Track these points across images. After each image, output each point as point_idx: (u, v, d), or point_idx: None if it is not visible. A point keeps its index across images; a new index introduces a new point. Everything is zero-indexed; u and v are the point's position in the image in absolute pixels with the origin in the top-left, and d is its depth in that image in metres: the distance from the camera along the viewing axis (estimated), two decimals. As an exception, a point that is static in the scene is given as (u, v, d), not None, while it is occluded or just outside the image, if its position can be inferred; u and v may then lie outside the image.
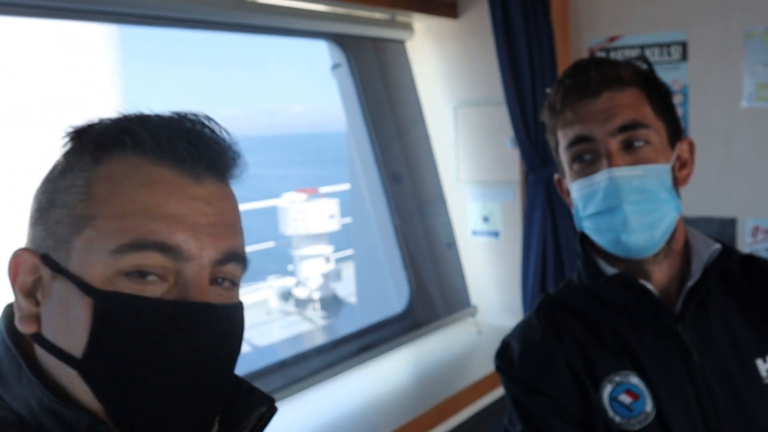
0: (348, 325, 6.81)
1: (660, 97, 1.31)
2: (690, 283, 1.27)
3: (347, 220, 7.22)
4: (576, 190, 1.30)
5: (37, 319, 0.77)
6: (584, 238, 1.37)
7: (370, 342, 3.04)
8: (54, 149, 0.80)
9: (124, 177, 0.76)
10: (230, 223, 0.81)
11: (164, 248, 0.74)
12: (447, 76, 3.29)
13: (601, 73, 1.27)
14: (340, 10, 2.88)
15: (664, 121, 1.29)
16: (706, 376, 1.23)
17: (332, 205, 8.85)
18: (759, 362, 1.24)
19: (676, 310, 1.27)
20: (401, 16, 3.16)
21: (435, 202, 3.47)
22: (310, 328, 8.49)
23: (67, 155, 0.79)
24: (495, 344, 1.39)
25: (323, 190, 9.61)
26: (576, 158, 1.29)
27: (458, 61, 3.24)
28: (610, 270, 1.32)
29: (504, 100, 2.94)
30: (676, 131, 1.32)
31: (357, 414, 2.52)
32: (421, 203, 3.49)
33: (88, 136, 0.78)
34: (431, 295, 3.46)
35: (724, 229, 2.94)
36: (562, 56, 3.04)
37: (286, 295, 9.04)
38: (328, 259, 8.91)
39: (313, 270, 8.82)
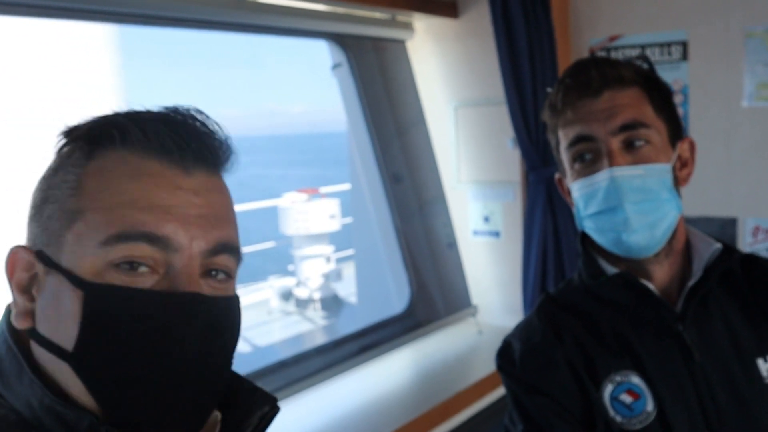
0: (349, 325, 6.81)
1: (661, 96, 1.30)
2: (691, 283, 1.27)
3: (348, 220, 7.22)
4: (577, 189, 1.30)
5: (31, 314, 0.77)
6: (585, 237, 1.37)
7: (370, 342, 3.04)
8: (53, 149, 0.81)
9: (113, 171, 0.76)
10: (221, 214, 0.80)
11: (152, 239, 0.74)
12: (447, 76, 3.29)
13: (602, 73, 1.27)
14: (340, 9, 2.88)
15: (664, 121, 1.29)
16: (707, 376, 1.22)
17: (333, 205, 8.85)
18: (760, 362, 1.24)
19: (677, 310, 1.27)
20: (402, 16, 3.16)
21: (436, 202, 3.47)
22: (310, 328, 8.49)
23: (60, 153, 0.80)
24: (496, 344, 1.39)
25: (324, 190, 9.61)
26: (577, 158, 1.29)
27: (459, 61, 3.24)
28: (611, 269, 1.32)
29: (504, 99, 2.95)
30: (676, 131, 1.32)
31: (358, 414, 2.52)
32: (422, 203, 3.49)
33: (79, 132, 0.79)
34: (432, 295, 3.46)
35: (725, 229, 2.94)
36: (562, 56, 3.04)
37: (287, 295, 9.04)
38: (328, 259, 8.91)
39: (313, 270, 8.82)
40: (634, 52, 3.08)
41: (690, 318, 1.25)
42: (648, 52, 3.05)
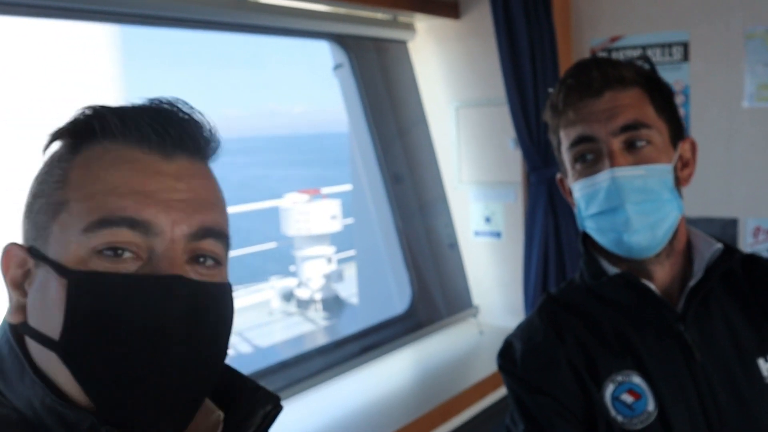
0: (350, 326, 6.81)
1: (662, 96, 1.31)
2: (692, 283, 1.27)
3: (349, 220, 7.22)
4: (578, 189, 1.30)
5: (24, 309, 0.78)
6: (586, 237, 1.38)
7: (372, 342, 3.04)
8: (42, 149, 0.82)
9: (95, 161, 0.77)
10: (205, 198, 0.80)
11: (133, 224, 0.74)
12: (449, 77, 3.29)
13: (603, 73, 1.27)
14: (341, 10, 2.88)
15: (666, 121, 1.30)
16: (708, 376, 1.23)
17: (334, 206, 8.84)
18: (761, 362, 1.24)
19: (678, 310, 1.27)
20: (403, 17, 3.16)
21: (437, 203, 3.47)
22: (312, 329, 8.48)
23: (48, 152, 0.81)
24: (497, 345, 1.39)
25: (325, 190, 9.61)
26: (578, 158, 1.29)
27: (460, 62, 3.25)
28: (612, 269, 1.32)
29: (506, 100, 2.95)
30: (678, 131, 1.32)
31: (359, 414, 2.52)
32: (423, 204, 3.49)
33: (63, 129, 0.80)
34: (433, 296, 3.46)
35: (726, 229, 2.94)
36: (563, 57, 3.04)
37: (288, 296, 9.03)
38: (330, 260, 8.90)
39: (315, 271, 8.81)
40: (635, 53, 3.08)
41: (691, 318, 1.26)
42: (649, 52, 3.05)
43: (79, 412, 0.73)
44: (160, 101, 0.80)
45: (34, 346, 0.77)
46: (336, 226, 8.75)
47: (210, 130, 0.82)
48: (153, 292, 0.73)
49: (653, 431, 1.20)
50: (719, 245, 1.29)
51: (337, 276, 8.92)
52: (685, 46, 2.98)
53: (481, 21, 3.10)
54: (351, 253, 8.03)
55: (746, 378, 1.23)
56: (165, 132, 0.78)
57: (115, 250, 0.74)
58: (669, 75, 2.94)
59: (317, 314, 8.75)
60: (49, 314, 0.74)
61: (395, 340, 3.05)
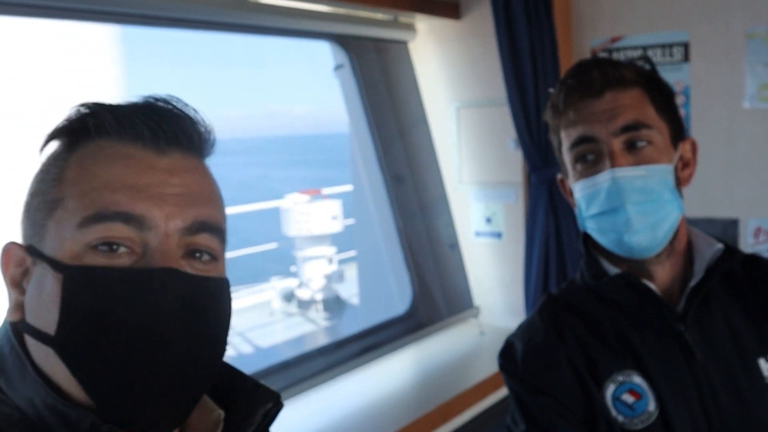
0: (351, 327, 6.81)
1: (662, 97, 1.31)
2: (692, 283, 1.27)
3: (350, 221, 7.22)
4: (579, 190, 1.30)
5: (22, 307, 0.78)
6: (587, 237, 1.38)
7: (372, 343, 3.04)
8: (40, 150, 0.83)
9: (90, 158, 0.78)
10: (199, 193, 0.80)
11: (127, 218, 0.74)
12: (449, 77, 3.30)
13: (604, 74, 1.27)
14: (342, 10, 2.89)
15: (666, 121, 1.30)
16: (708, 376, 1.23)
17: (335, 207, 8.83)
18: (761, 362, 1.24)
19: (679, 310, 1.27)
20: (404, 17, 3.17)
21: (438, 203, 3.47)
22: (312, 330, 8.48)
23: (47, 151, 0.82)
24: (498, 345, 1.39)
25: (326, 191, 9.60)
26: (579, 158, 1.29)
27: (461, 62, 3.25)
28: (613, 270, 1.32)
29: (506, 100, 2.95)
30: (678, 131, 1.32)
31: (360, 415, 2.52)
32: (424, 204, 3.49)
33: (59, 128, 0.80)
34: (434, 296, 3.46)
35: (727, 230, 2.94)
36: (564, 57, 3.04)
37: (289, 297, 9.02)
38: (330, 261, 8.89)
39: (315, 271, 8.80)
40: (636, 54, 3.08)
41: (691, 318, 1.26)
42: (650, 53, 3.05)
43: (80, 410, 0.73)
44: (154, 98, 0.81)
45: (33, 346, 0.77)
46: (337, 226, 8.75)
47: (205, 127, 0.82)
48: (147, 286, 0.73)
49: (654, 431, 1.20)
50: (720, 245, 1.29)
51: (338, 276, 8.92)
52: (686, 46, 2.98)
53: (481, 21, 3.10)
54: (352, 253, 8.04)
55: (747, 378, 1.23)
56: (158, 128, 0.78)
57: (110, 245, 0.74)
58: (669, 75, 2.94)
59: (318, 315, 8.75)
60: (46, 310, 0.74)
61: (396, 341, 3.05)
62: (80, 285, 0.73)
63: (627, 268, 1.30)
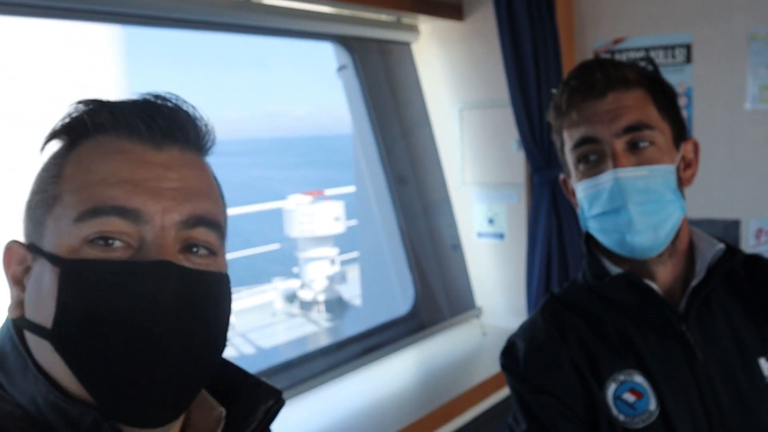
0: (353, 327, 6.81)
1: (665, 97, 1.31)
2: (694, 283, 1.28)
3: (353, 222, 7.23)
4: (581, 190, 1.31)
5: (23, 304, 0.79)
6: (589, 237, 1.38)
7: (375, 343, 3.04)
8: (40, 150, 0.83)
9: (87, 155, 0.78)
10: (196, 187, 0.80)
11: (123, 212, 0.75)
12: (452, 78, 3.30)
13: (606, 74, 1.28)
14: (345, 11, 2.89)
15: (669, 122, 1.30)
16: (709, 375, 1.23)
17: (338, 208, 8.84)
18: (762, 362, 1.25)
19: (680, 310, 1.27)
20: (407, 18, 3.17)
21: (440, 204, 3.47)
22: (315, 330, 8.49)
23: (47, 150, 0.82)
24: (500, 346, 1.39)
25: (329, 192, 9.61)
26: (581, 159, 1.30)
27: (464, 63, 3.25)
28: (614, 270, 1.32)
29: (509, 101, 2.95)
30: (680, 132, 1.33)
31: (362, 415, 2.52)
32: (427, 205, 3.49)
33: (58, 127, 0.81)
34: (436, 297, 3.46)
35: (728, 230, 2.94)
36: (566, 58, 3.04)
37: (291, 298, 9.04)
38: (333, 262, 8.90)
39: (318, 272, 8.81)
40: (638, 55, 3.08)
41: (693, 318, 1.26)
42: (652, 54, 3.05)
43: (81, 407, 0.73)
44: (152, 95, 0.81)
45: (34, 342, 0.78)
46: (339, 227, 8.76)
47: (202, 123, 0.83)
48: (142, 279, 0.73)
49: (655, 430, 1.21)
50: (721, 245, 1.30)
51: (341, 277, 8.94)
52: (688, 47, 2.98)
53: (484, 22, 3.10)
54: (354, 254, 8.04)
55: (748, 378, 1.23)
56: (154, 122, 0.78)
57: (106, 240, 0.74)
58: (672, 77, 2.94)
59: (320, 315, 8.75)
60: (43, 304, 0.75)
61: (398, 341, 3.05)
62: (76, 278, 0.73)
63: (629, 268, 1.31)
